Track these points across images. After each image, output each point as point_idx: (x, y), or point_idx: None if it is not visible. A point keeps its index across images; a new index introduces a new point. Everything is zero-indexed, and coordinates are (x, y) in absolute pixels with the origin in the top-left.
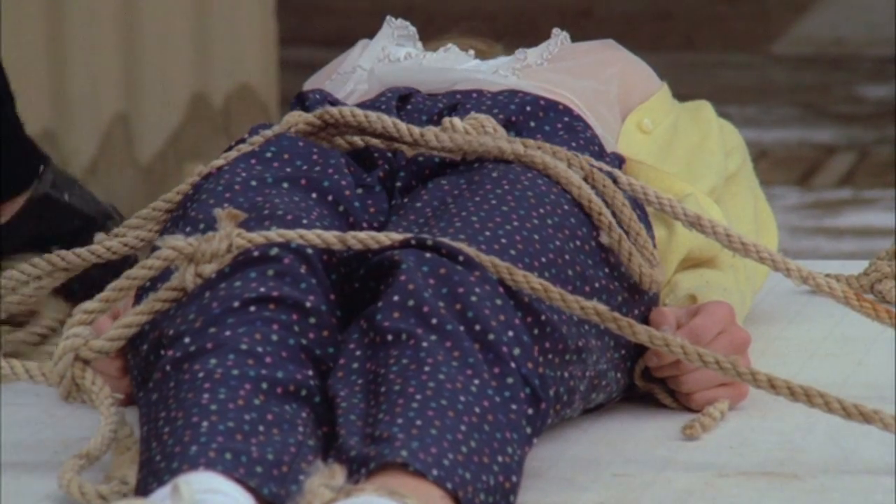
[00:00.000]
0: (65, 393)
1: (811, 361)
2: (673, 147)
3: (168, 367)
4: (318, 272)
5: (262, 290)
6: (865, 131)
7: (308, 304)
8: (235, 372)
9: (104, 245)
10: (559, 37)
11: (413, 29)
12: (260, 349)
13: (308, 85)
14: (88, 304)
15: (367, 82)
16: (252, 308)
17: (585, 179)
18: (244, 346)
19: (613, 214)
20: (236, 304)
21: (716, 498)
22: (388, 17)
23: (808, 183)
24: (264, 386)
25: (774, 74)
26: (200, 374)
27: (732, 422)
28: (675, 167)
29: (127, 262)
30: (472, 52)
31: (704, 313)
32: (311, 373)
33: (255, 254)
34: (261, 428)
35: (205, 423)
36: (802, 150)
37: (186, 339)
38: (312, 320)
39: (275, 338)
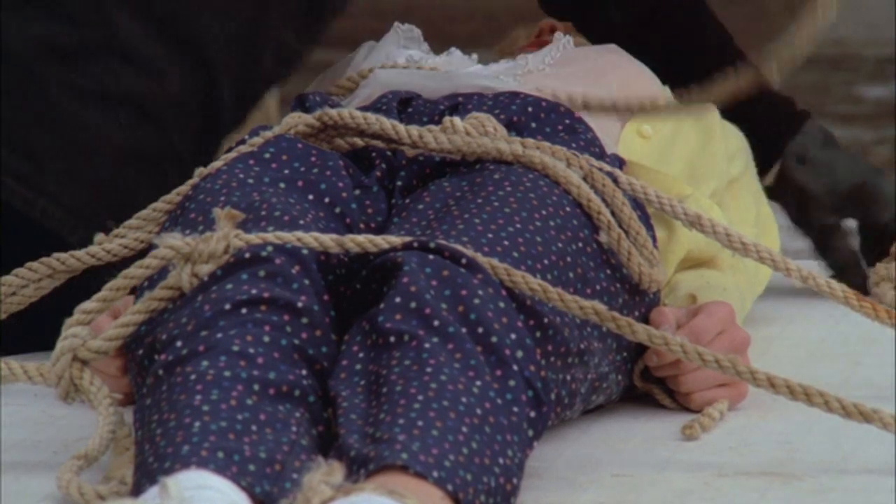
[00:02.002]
0: (63, 393)
1: (811, 361)
2: (673, 152)
3: (161, 372)
4: (312, 273)
5: (254, 291)
6: (865, 131)
7: (300, 305)
8: (227, 373)
9: (104, 247)
10: (561, 41)
11: (418, 31)
12: (252, 350)
13: (312, 88)
14: (87, 305)
15: (369, 87)
16: (243, 310)
17: (585, 179)
18: (236, 348)
19: (613, 214)
20: (227, 306)
21: (715, 498)
22: (395, 24)
23: None
24: (256, 387)
25: None
26: (192, 377)
27: (732, 422)
28: (677, 172)
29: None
30: (475, 56)
31: (704, 313)
32: (304, 372)
33: (247, 255)
34: (253, 427)
35: (197, 424)
36: None
37: (178, 343)
38: (305, 320)
39: (266, 339)
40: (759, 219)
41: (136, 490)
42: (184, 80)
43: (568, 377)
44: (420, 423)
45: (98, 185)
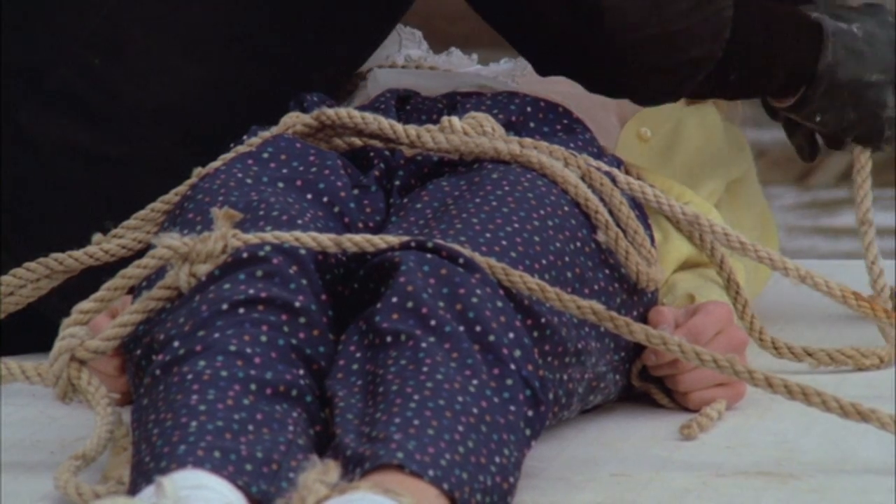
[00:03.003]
0: (61, 393)
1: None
2: (673, 153)
3: (158, 372)
4: (310, 272)
5: (251, 291)
6: None
7: (297, 304)
8: (224, 373)
9: (102, 247)
10: None
11: (419, 34)
12: (249, 350)
13: None
14: (84, 305)
15: (367, 86)
16: (241, 310)
17: (583, 178)
18: (233, 348)
19: (611, 213)
20: (225, 306)
21: (713, 498)
22: (398, 26)
23: (806, 182)
24: (253, 387)
25: None
26: (189, 376)
27: (729, 421)
28: (675, 174)
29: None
30: (475, 56)
31: (703, 313)
32: (301, 372)
33: (245, 255)
34: (250, 427)
35: (193, 423)
36: None
37: (176, 343)
38: (302, 320)
39: (264, 339)
40: (758, 220)
41: (133, 489)
42: None
43: (565, 377)
44: (416, 421)
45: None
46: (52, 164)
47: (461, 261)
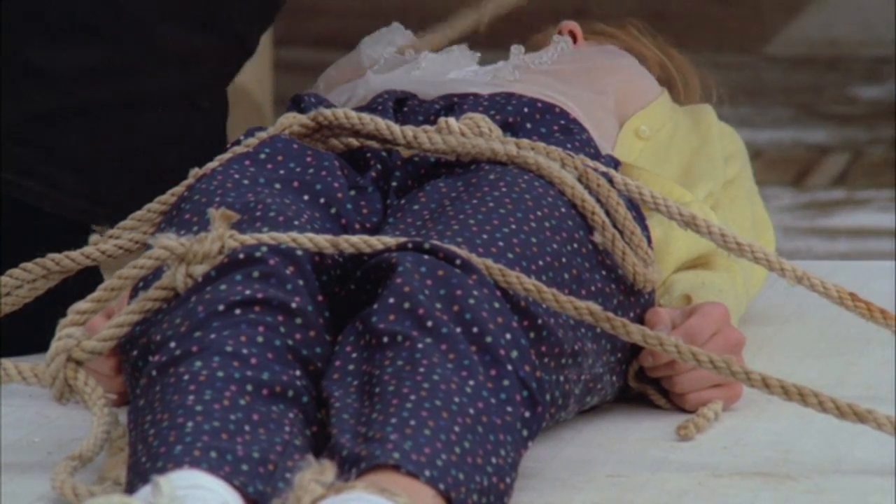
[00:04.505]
0: (58, 394)
1: (805, 361)
2: (670, 153)
3: (154, 372)
4: (306, 273)
5: (248, 292)
6: (859, 132)
7: (294, 305)
8: (220, 374)
9: (98, 248)
10: (559, 44)
11: (412, 35)
12: (245, 351)
13: (313, 89)
14: (81, 305)
15: (362, 88)
16: (237, 311)
17: (580, 180)
18: (229, 349)
19: (608, 214)
20: (221, 307)
21: (710, 498)
22: (395, 24)
23: (802, 183)
24: (249, 387)
25: (768, 75)
26: (185, 377)
27: (726, 422)
28: (673, 173)
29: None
30: (478, 54)
31: (699, 314)
32: (298, 373)
33: (241, 256)
34: (246, 427)
35: (190, 424)
36: (796, 151)
37: (172, 344)
38: (299, 321)
39: (260, 339)
40: (754, 220)
41: (129, 489)
42: (221, 60)
43: (562, 378)
44: (412, 422)
45: (138, 173)
46: (69, 91)
47: (458, 262)
